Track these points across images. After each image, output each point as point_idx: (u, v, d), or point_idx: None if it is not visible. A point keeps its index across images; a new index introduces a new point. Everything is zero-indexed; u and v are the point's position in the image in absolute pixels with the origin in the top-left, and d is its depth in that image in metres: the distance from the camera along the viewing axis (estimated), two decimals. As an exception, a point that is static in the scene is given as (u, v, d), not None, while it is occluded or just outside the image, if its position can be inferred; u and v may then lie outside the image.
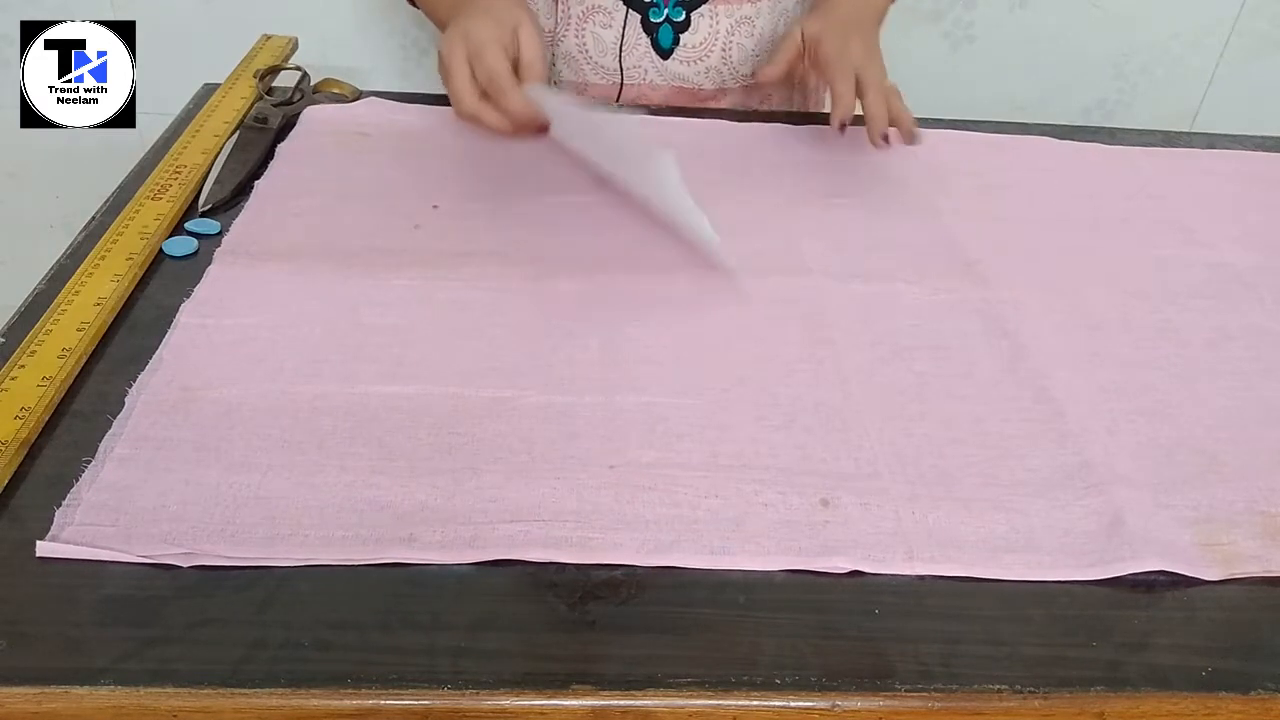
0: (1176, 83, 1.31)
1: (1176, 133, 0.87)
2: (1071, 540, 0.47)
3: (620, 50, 0.83)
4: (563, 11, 0.83)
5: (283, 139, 0.74)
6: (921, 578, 0.45)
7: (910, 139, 0.72)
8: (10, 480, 0.46)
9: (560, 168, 0.73)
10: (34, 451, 0.47)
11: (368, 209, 0.67)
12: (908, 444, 0.51)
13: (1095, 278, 0.66)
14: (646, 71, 0.86)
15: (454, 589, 0.43)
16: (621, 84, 0.86)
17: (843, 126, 0.72)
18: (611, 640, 0.41)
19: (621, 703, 0.39)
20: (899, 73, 0.76)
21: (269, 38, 0.89)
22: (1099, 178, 0.78)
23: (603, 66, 0.85)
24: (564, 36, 0.84)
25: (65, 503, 0.44)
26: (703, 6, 0.83)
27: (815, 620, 0.43)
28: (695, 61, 0.85)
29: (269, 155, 0.72)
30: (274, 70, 0.82)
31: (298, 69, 0.82)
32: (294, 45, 0.89)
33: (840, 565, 0.45)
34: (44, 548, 0.42)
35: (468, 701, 0.39)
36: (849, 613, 0.43)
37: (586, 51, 0.84)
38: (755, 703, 0.39)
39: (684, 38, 0.84)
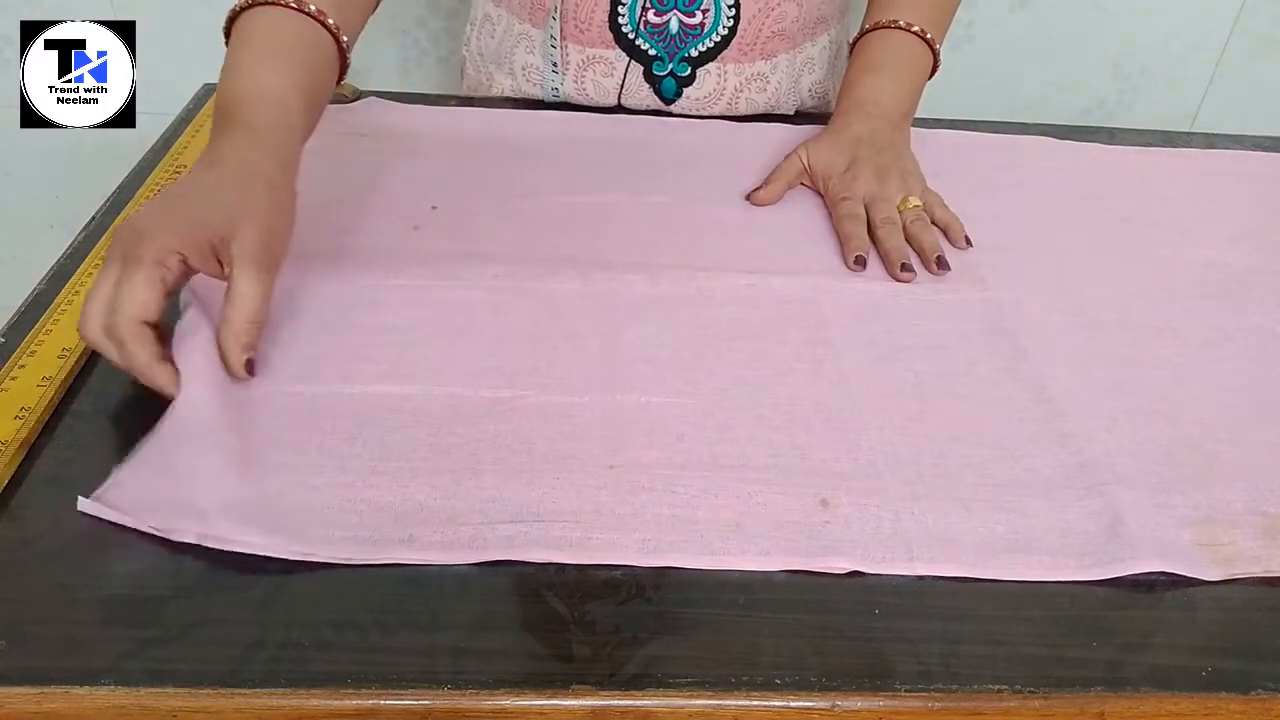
0: (1176, 83, 1.31)
1: (1176, 133, 0.87)
2: (1071, 540, 0.47)
3: (620, 95, 0.82)
4: (562, 59, 0.81)
5: (283, 139, 0.74)
6: (921, 578, 0.45)
7: (955, 245, 0.67)
8: (10, 480, 0.46)
9: (561, 168, 0.73)
10: (34, 451, 0.47)
11: (367, 209, 0.67)
12: (907, 444, 0.51)
13: (1095, 278, 0.66)
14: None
15: (454, 589, 0.43)
16: None
17: (858, 260, 0.64)
18: (611, 640, 0.41)
19: (621, 703, 0.39)
20: (899, 73, 0.75)
21: (269, 38, 0.89)
22: (1099, 178, 0.78)
23: (604, 108, 0.84)
24: (562, 82, 0.82)
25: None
26: (709, 65, 0.81)
27: (815, 620, 0.43)
28: (699, 113, 0.83)
29: (269, 155, 0.72)
30: (274, 70, 0.82)
31: (298, 69, 0.81)
32: (294, 45, 0.89)
33: (840, 565, 0.45)
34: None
35: (468, 701, 0.39)
36: (849, 613, 0.43)
37: (586, 95, 0.83)
38: (755, 703, 0.39)
39: (687, 91, 0.82)
